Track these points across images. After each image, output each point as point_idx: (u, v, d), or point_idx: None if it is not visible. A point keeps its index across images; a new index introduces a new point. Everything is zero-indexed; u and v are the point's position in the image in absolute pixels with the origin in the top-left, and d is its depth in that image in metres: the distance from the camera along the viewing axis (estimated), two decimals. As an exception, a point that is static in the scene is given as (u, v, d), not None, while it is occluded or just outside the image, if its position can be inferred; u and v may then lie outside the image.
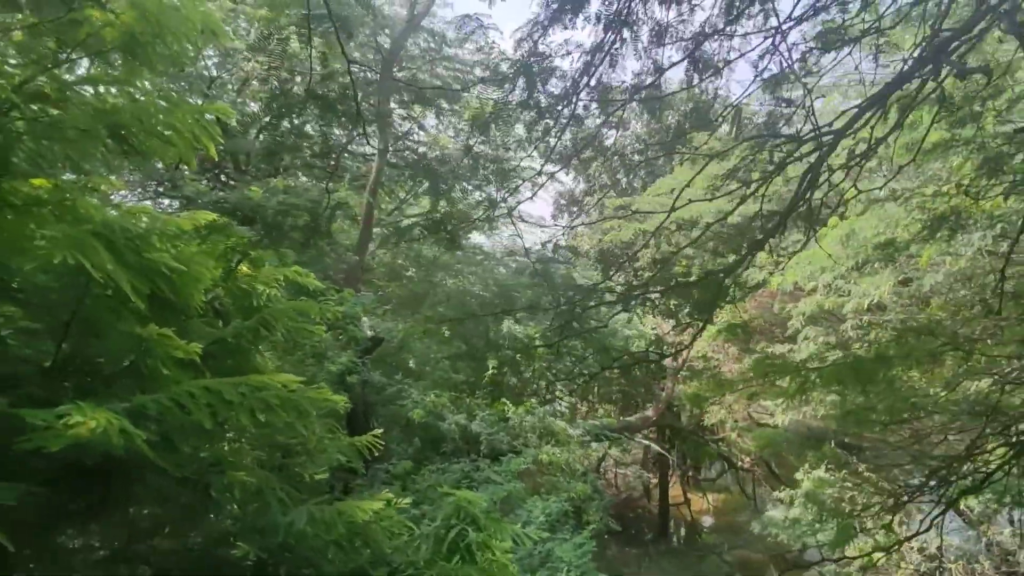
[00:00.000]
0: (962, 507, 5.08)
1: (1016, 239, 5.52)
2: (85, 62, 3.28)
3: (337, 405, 3.06)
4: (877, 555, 5.56)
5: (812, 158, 3.57)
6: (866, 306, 6.59)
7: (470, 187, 12.37)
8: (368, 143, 10.34)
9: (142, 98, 3.29)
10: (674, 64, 3.39)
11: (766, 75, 3.48)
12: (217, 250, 3.58)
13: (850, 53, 3.44)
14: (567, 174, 13.10)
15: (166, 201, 11.28)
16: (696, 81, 3.48)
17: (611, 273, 10.72)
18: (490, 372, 10.28)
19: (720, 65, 3.42)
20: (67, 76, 3.08)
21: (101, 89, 3.40)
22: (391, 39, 11.30)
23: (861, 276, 7.05)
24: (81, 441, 1.71)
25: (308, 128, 11.85)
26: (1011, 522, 6.94)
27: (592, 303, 4.98)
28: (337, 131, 12.11)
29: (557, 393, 13.46)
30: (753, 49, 3.31)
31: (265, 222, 7.95)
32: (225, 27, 3.95)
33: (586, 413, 14.11)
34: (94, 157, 2.83)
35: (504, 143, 9.59)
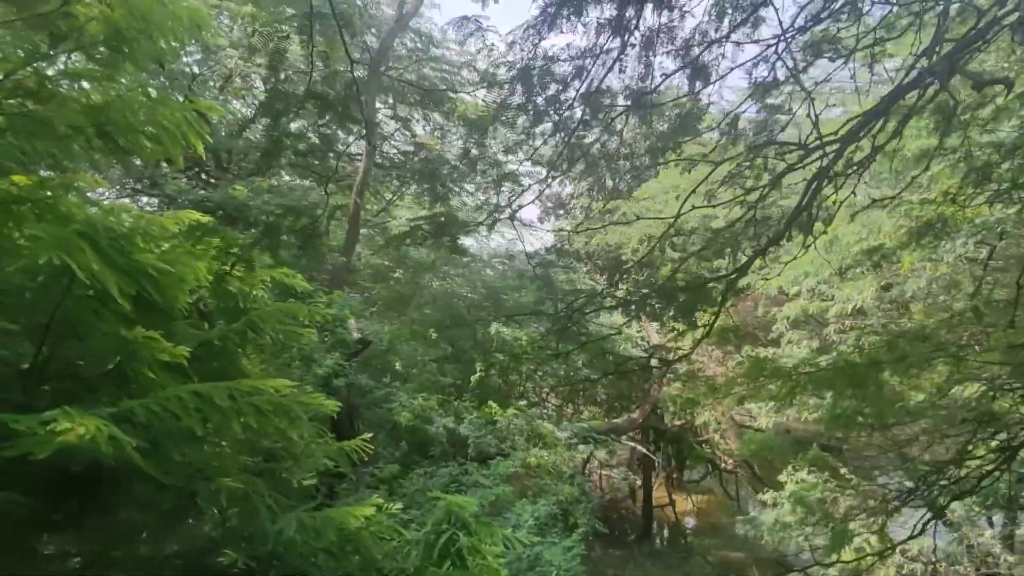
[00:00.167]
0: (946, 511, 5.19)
1: (994, 247, 5.68)
2: (67, 57, 3.18)
3: (329, 410, 3.00)
4: (871, 559, 5.65)
5: (814, 165, 3.62)
6: (849, 311, 6.72)
7: (471, 189, 12.31)
8: (370, 143, 10.20)
9: (127, 94, 3.21)
10: (679, 69, 3.40)
11: (764, 83, 3.51)
12: (210, 252, 3.50)
13: (846, 62, 3.50)
14: (555, 177, 13.09)
15: (144, 199, 11.02)
16: (698, 88, 3.50)
17: (616, 278, 10.74)
18: (478, 375, 10.23)
19: (723, 73, 3.45)
20: (50, 71, 2.98)
21: (85, 85, 3.32)
22: (378, 39, 11.21)
23: (843, 281, 7.18)
24: (68, 448, 1.65)
25: (302, 127, 11.64)
26: (991, 524, 7.11)
27: (593, 308, 4.99)
28: (341, 133, 11.95)
29: (544, 395, 13.48)
30: (755, 58, 3.34)
31: (265, 224, 7.82)
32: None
33: (571, 415, 14.13)
34: (79, 155, 2.74)
35: (506, 146, 9.54)
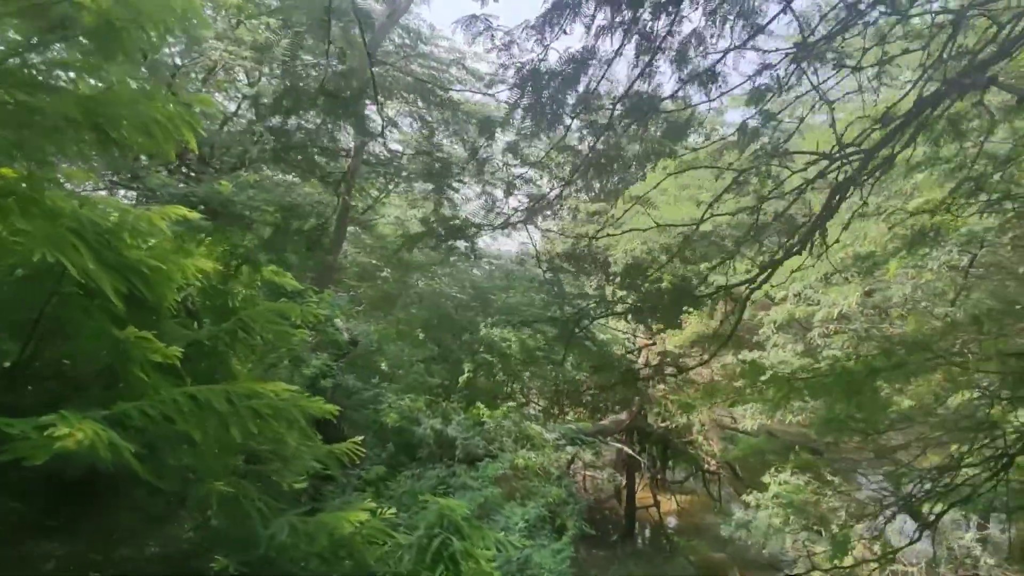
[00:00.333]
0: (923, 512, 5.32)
1: (975, 255, 5.84)
2: (58, 46, 3.07)
3: (329, 414, 2.94)
4: (873, 566, 5.74)
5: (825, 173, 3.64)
6: (835, 315, 6.84)
7: (477, 190, 12.22)
8: (385, 146, 10.03)
9: (118, 86, 3.11)
10: (696, 76, 3.40)
11: (766, 90, 3.54)
12: (198, 249, 3.41)
13: (854, 73, 3.53)
14: (541, 177, 13.07)
15: (122, 191, 10.72)
16: (715, 95, 3.51)
17: (626, 282, 10.73)
18: (466, 376, 10.17)
19: (739, 82, 3.46)
20: (40, 62, 2.87)
21: (72, 76, 3.20)
22: (369, 34, 11.07)
23: (828, 287, 7.31)
24: (66, 453, 1.58)
25: (295, 124, 11.40)
26: (968, 527, 7.29)
27: (603, 313, 4.97)
28: (348, 131, 11.73)
29: (528, 395, 13.47)
30: (775, 65, 3.34)
31: (274, 226, 7.68)
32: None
33: (556, 416, 14.14)
34: (71, 148, 2.64)
35: (516, 150, 9.46)
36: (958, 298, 5.84)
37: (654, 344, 13.29)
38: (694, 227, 4.54)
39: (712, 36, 3.29)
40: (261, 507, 3.44)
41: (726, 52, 3.23)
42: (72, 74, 3.21)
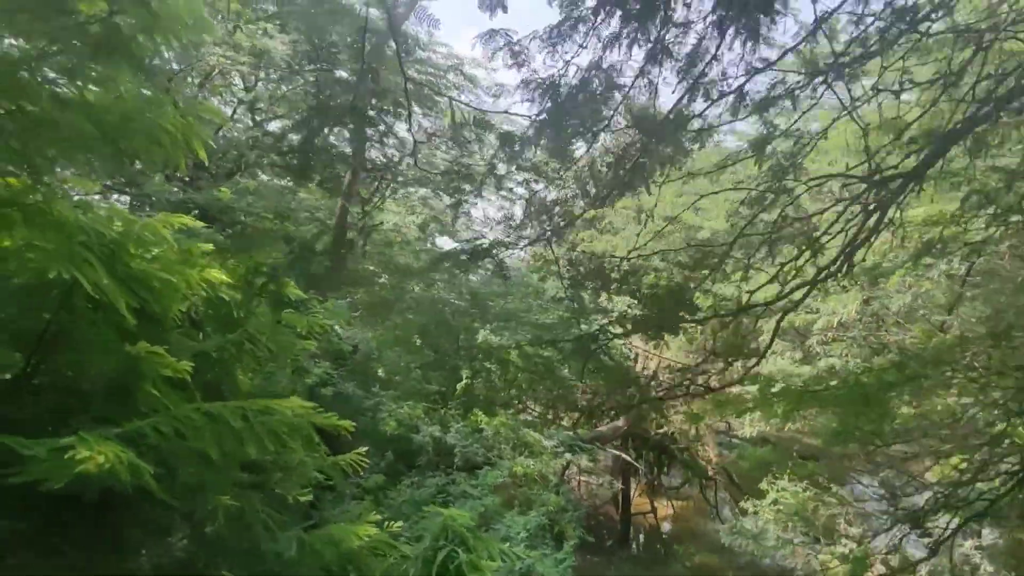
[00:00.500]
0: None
1: (972, 264, 5.90)
2: (65, 56, 3.03)
3: (344, 430, 2.91)
4: None
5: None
6: (834, 324, 6.89)
7: (493, 200, 12.19)
8: (415, 163, 9.98)
9: (127, 95, 3.07)
10: (731, 93, 3.43)
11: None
12: (202, 258, 3.38)
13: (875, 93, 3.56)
14: (538, 183, 13.07)
15: (115, 195, 10.61)
16: (742, 114, 3.54)
17: (643, 293, 10.72)
18: (464, 383, 10.13)
19: (786, 101, 3.47)
20: (48, 71, 2.84)
21: (79, 84, 3.16)
22: (369, 40, 11.05)
23: (827, 296, 7.35)
24: (85, 476, 1.55)
25: (334, 139, 11.30)
26: (968, 535, 7.34)
27: (620, 333, 4.97)
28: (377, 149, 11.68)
29: (525, 402, 13.43)
30: (805, 84, 3.38)
31: (300, 243, 7.65)
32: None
33: (552, 422, 14.11)
34: (79, 157, 2.61)
35: (532, 162, 9.42)
36: (955, 307, 5.90)
37: (657, 353, 13.36)
38: (726, 247, 4.56)
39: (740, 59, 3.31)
40: (266, 520, 3.41)
41: (755, 72, 3.25)
42: (79, 82, 3.18)
